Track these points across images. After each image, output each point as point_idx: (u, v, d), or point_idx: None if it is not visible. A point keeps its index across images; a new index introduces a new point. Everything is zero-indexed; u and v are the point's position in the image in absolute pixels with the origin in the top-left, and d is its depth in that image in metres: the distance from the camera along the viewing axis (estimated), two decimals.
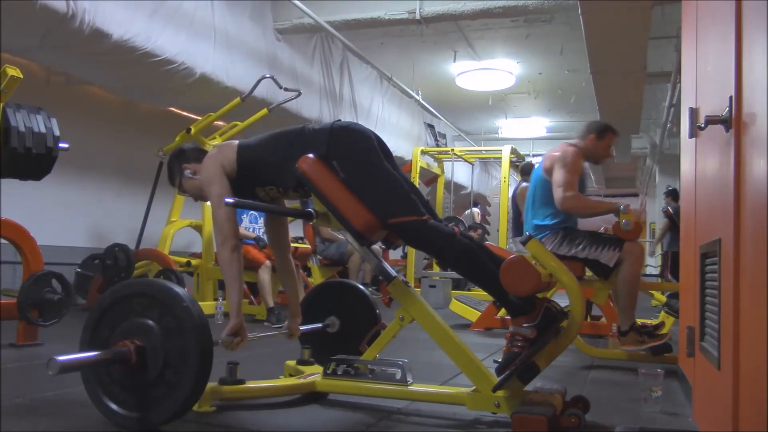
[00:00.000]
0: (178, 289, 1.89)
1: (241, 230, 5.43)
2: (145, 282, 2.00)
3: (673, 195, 7.39)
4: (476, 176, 12.27)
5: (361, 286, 2.83)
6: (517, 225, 6.24)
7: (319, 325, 2.66)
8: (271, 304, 5.09)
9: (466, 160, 9.19)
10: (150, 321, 1.86)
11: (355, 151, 2.20)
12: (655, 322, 3.81)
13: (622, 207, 3.23)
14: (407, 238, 2.23)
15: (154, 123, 7.11)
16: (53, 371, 1.64)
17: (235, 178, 2.32)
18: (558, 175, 3.29)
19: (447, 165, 9.08)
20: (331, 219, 2.25)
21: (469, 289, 7.58)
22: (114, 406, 1.88)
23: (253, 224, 5.72)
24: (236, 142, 2.39)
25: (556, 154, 3.38)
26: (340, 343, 2.65)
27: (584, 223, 3.66)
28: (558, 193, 3.26)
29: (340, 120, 2.34)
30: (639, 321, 3.32)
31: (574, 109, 11.33)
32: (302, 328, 2.60)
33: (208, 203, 5.64)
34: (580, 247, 3.27)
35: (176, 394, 1.81)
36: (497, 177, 11.83)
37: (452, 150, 8.68)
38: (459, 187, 10.86)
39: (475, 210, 8.91)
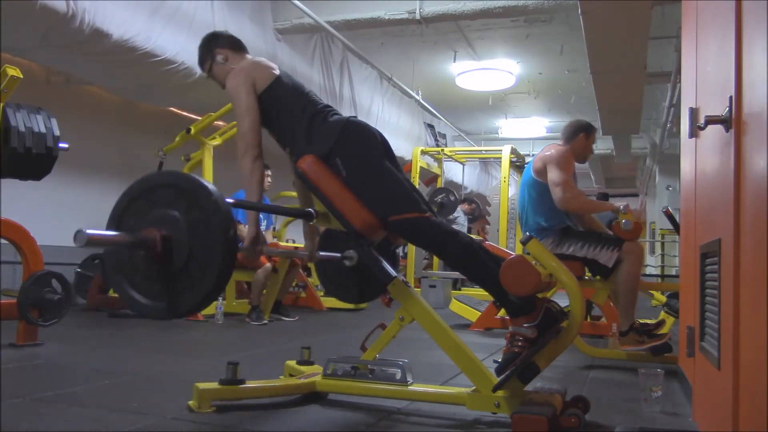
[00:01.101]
0: (206, 183, 1.84)
1: (242, 229, 5.42)
2: (175, 174, 1.94)
3: None
4: (476, 176, 12.30)
5: None
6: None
7: (338, 254, 2.57)
8: (256, 302, 5.14)
9: (456, 161, 9.19)
10: (177, 212, 1.81)
11: (360, 149, 2.20)
12: (655, 321, 3.81)
13: (622, 207, 3.23)
14: (409, 236, 2.23)
15: (154, 123, 7.12)
16: (80, 243, 1.58)
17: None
18: (554, 176, 3.29)
19: (447, 165, 9.10)
20: (331, 219, 2.25)
21: (459, 289, 7.59)
22: (137, 296, 1.85)
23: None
24: (277, 71, 2.36)
25: (548, 154, 3.38)
26: (356, 278, 2.58)
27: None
28: (557, 193, 3.26)
29: (355, 117, 2.34)
30: (640, 321, 3.32)
31: (574, 109, 11.32)
32: (321, 254, 2.54)
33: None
34: (579, 246, 3.27)
35: (199, 287, 1.77)
36: (497, 177, 11.83)
37: (442, 150, 8.69)
38: (458, 187, 10.86)
39: (465, 206, 8.89)
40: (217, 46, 2.46)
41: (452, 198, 8.34)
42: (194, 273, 1.78)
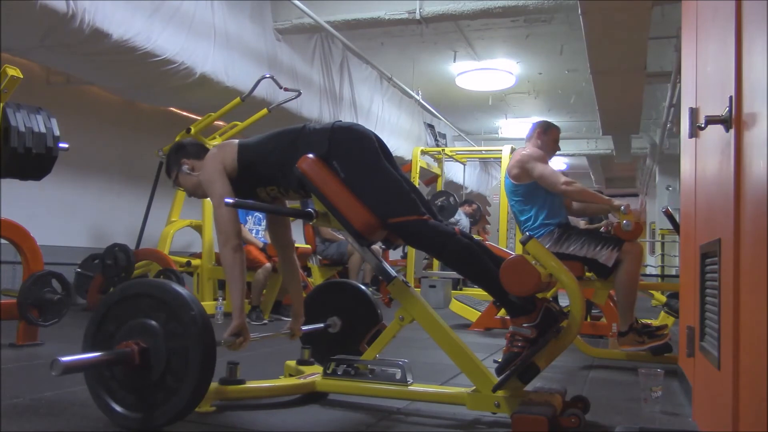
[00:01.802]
0: (187, 295, 1.88)
1: (245, 232, 5.42)
2: (156, 284, 1.99)
3: None
4: (476, 176, 12.30)
5: (362, 286, 2.83)
6: None
7: (321, 325, 2.65)
8: (256, 302, 5.17)
9: (457, 160, 9.20)
10: (155, 323, 1.86)
11: (356, 151, 2.20)
12: (656, 322, 3.81)
13: (622, 207, 3.23)
14: (407, 238, 2.23)
15: (154, 123, 7.12)
16: (57, 372, 1.64)
17: (236, 178, 2.32)
18: (539, 169, 3.37)
19: (447, 165, 9.10)
20: (331, 219, 2.25)
21: (460, 289, 7.59)
22: (116, 406, 1.88)
23: (257, 226, 5.70)
24: (236, 141, 2.38)
25: (520, 157, 3.48)
26: (341, 343, 2.65)
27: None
28: (553, 180, 3.31)
29: (340, 120, 2.34)
30: (643, 321, 3.31)
31: (574, 109, 11.32)
32: (304, 328, 2.60)
33: (208, 200, 5.67)
34: (579, 245, 3.27)
35: (177, 398, 1.81)
36: (497, 177, 11.85)
37: (443, 150, 8.69)
38: (458, 187, 10.86)
39: (466, 208, 8.90)
40: (183, 156, 2.47)
41: (452, 201, 8.34)
42: (172, 384, 1.82)
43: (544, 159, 3.43)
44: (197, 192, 2.47)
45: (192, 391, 1.81)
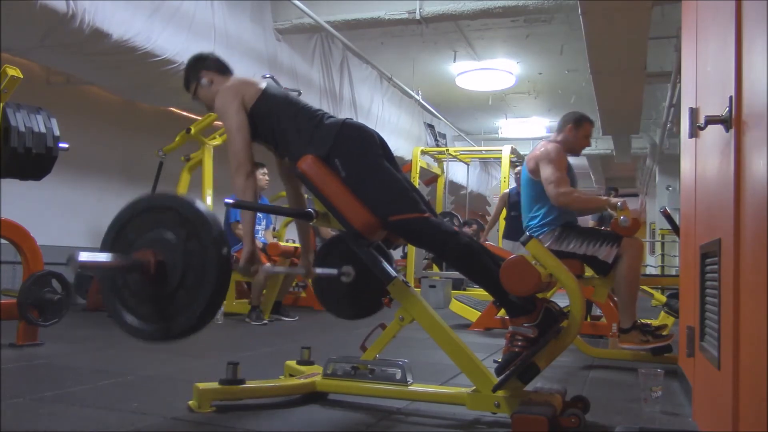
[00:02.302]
0: (209, 217, 1.84)
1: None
2: (183, 200, 1.90)
3: None
4: (476, 176, 12.30)
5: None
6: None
7: (335, 270, 2.56)
8: (257, 302, 5.14)
9: (461, 161, 9.19)
10: (175, 238, 1.81)
11: (358, 150, 2.20)
12: (656, 322, 3.81)
13: (619, 204, 3.23)
14: (408, 236, 2.23)
15: (154, 123, 7.12)
16: (73, 268, 1.62)
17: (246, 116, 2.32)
18: (547, 173, 3.29)
19: (446, 165, 9.10)
20: (331, 219, 2.25)
21: (464, 289, 7.59)
22: (126, 315, 1.86)
23: (257, 225, 5.69)
24: (263, 85, 2.36)
25: (539, 152, 3.40)
26: (354, 294, 2.57)
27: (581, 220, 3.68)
28: (551, 189, 3.26)
29: (351, 119, 2.33)
30: (642, 321, 3.31)
31: (574, 109, 11.32)
32: (318, 270, 2.54)
33: (208, 200, 5.63)
34: (578, 243, 3.27)
35: (183, 317, 1.78)
36: (497, 177, 11.84)
37: (447, 150, 8.69)
38: (459, 187, 10.86)
39: (466, 229, 9.02)
40: (203, 68, 2.45)
41: (455, 223, 8.40)
42: (188, 294, 1.78)
43: (559, 161, 3.32)
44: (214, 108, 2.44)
45: (199, 314, 1.77)
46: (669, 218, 4.08)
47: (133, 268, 1.81)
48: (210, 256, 1.78)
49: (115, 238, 1.90)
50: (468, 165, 9.74)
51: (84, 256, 1.63)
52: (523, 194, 3.52)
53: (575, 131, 3.48)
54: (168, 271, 1.80)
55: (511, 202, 7.59)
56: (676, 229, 3.89)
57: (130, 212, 1.91)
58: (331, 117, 2.31)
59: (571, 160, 3.53)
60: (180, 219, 1.83)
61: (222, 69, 2.46)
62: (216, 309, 1.84)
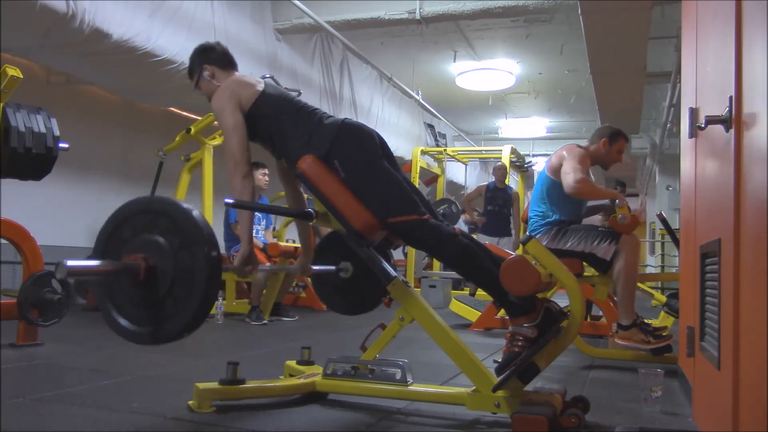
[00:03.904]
0: (204, 228, 1.83)
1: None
2: (180, 209, 1.88)
3: None
4: (476, 176, 12.29)
5: None
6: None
7: (332, 267, 2.57)
8: (256, 303, 5.14)
9: (459, 161, 9.20)
10: (167, 244, 1.81)
11: (357, 150, 2.20)
12: (656, 323, 3.80)
13: (617, 201, 3.25)
14: (407, 238, 2.23)
15: (154, 123, 7.12)
16: (61, 275, 1.61)
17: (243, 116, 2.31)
18: (568, 166, 3.30)
19: (448, 165, 9.10)
20: (331, 219, 2.25)
21: (462, 288, 7.59)
22: (117, 316, 1.86)
23: (257, 225, 5.69)
24: (261, 86, 2.35)
25: (564, 152, 3.41)
26: (352, 290, 2.57)
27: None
28: (568, 180, 3.25)
29: (349, 119, 2.33)
30: (643, 320, 3.31)
31: (574, 109, 11.33)
32: (315, 267, 2.55)
33: (208, 199, 5.61)
34: (577, 241, 3.27)
35: (171, 324, 1.79)
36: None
37: (445, 150, 8.69)
38: (459, 187, 10.86)
39: (466, 216, 8.94)
40: (206, 61, 2.45)
41: (454, 209, 8.36)
42: (178, 298, 1.78)
43: (583, 162, 3.32)
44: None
45: (185, 323, 1.78)
46: (664, 222, 4.09)
47: (122, 272, 1.81)
48: (200, 270, 1.78)
49: (109, 236, 1.92)
50: (466, 165, 9.75)
51: (72, 263, 1.64)
52: (535, 190, 3.55)
53: (609, 146, 3.47)
54: (158, 277, 1.80)
55: (488, 196, 7.58)
56: (671, 232, 3.90)
57: (127, 211, 1.92)
58: (330, 117, 2.30)
59: None
60: (174, 227, 1.83)
61: (225, 64, 2.45)
62: (201, 320, 1.84)
